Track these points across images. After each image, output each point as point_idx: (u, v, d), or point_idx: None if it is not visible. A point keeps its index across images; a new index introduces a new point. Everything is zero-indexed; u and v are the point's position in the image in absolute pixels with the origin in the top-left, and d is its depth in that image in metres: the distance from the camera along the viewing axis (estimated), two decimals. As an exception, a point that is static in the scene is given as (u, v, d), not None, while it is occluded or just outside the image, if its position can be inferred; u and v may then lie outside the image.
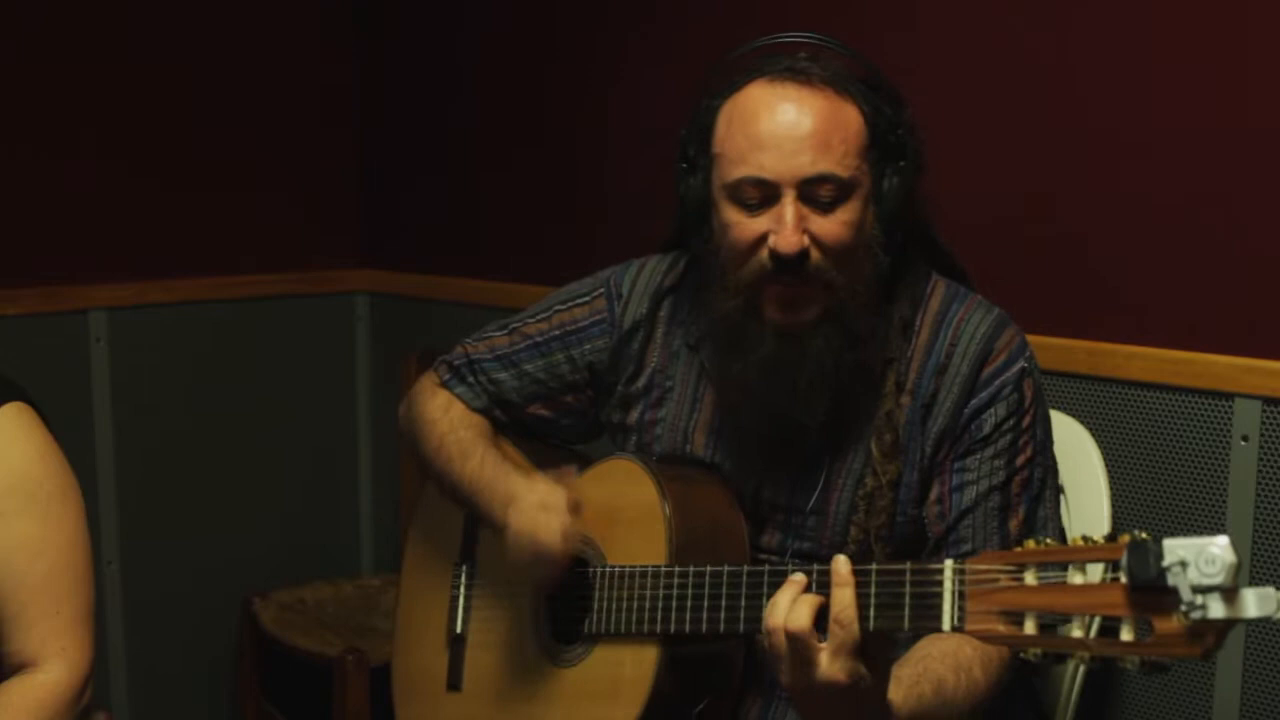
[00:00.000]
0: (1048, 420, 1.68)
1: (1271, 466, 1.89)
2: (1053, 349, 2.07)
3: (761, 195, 1.57)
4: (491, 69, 3.03)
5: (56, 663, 1.67)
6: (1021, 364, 1.63)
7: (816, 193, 1.56)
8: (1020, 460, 1.62)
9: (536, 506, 1.67)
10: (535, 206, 2.97)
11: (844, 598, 1.34)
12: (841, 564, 1.36)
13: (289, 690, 2.96)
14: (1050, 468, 1.67)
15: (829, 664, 1.34)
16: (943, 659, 1.52)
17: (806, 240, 1.55)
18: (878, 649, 1.37)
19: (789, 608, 1.36)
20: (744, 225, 1.59)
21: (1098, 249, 2.05)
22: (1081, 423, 1.99)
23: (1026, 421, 1.63)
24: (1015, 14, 2.11)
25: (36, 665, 1.67)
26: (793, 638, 1.35)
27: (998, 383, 1.62)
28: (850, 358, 1.59)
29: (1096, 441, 1.95)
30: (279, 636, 2.82)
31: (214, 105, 3.08)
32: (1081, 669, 1.86)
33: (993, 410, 1.62)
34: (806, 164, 1.55)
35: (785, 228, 1.55)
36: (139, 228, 2.98)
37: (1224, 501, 1.92)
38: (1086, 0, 2.03)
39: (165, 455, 3.05)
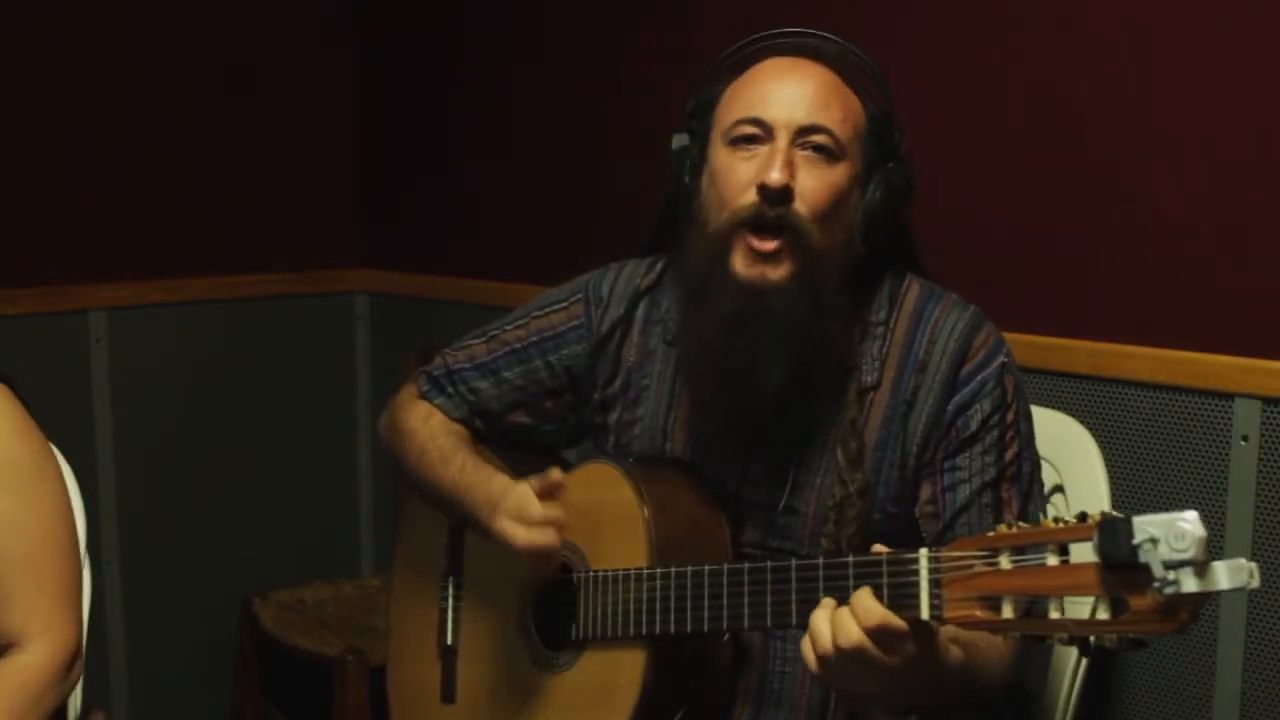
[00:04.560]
0: (1029, 417, 1.67)
1: (1271, 466, 1.89)
2: (1053, 349, 2.07)
3: (757, 134, 1.61)
4: (491, 69, 3.03)
5: (40, 641, 1.67)
6: (1001, 359, 1.63)
7: (810, 142, 1.60)
8: (1009, 455, 1.62)
9: (512, 516, 1.66)
10: (534, 206, 2.97)
11: (864, 599, 1.32)
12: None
13: (289, 690, 2.96)
14: (1035, 462, 1.67)
15: (891, 658, 1.31)
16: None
17: (793, 182, 1.58)
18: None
19: (831, 630, 1.33)
20: (734, 168, 1.62)
21: (1098, 249, 2.05)
22: (1081, 422, 1.99)
23: (1010, 416, 1.62)
24: (1019, 22, 2.11)
25: (20, 645, 1.67)
26: (846, 654, 1.32)
27: (979, 378, 1.62)
28: (817, 328, 1.59)
29: (1096, 441, 1.95)
30: (279, 636, 2.82)
31: (214, 105, 3.08)
32: (1081, 671, 1.86)
33: (978, 406, 1.61)
34: (803, 114, 1.60)
35: (775, 160, 1.58)
36: (139, 228, 2.98)
37: (1224, 502, 1.92)
38: (1085, 6, 2.03)
39: (165, 455, 3.05)
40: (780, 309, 1.58)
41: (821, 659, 1.34)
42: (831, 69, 1.65)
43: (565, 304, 1.84)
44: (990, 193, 2.16)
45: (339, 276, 3.33)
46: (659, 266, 1.81)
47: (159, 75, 2.99)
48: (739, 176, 1.61)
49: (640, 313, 1.80)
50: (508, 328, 1.87)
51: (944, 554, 1.27)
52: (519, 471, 1.82)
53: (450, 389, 1.89)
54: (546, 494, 1.65)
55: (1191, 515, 1.06)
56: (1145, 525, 1.08)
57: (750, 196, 1.59)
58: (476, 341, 1.89)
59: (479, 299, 3.02)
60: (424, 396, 1.91)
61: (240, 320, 3.15)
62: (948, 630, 1.43)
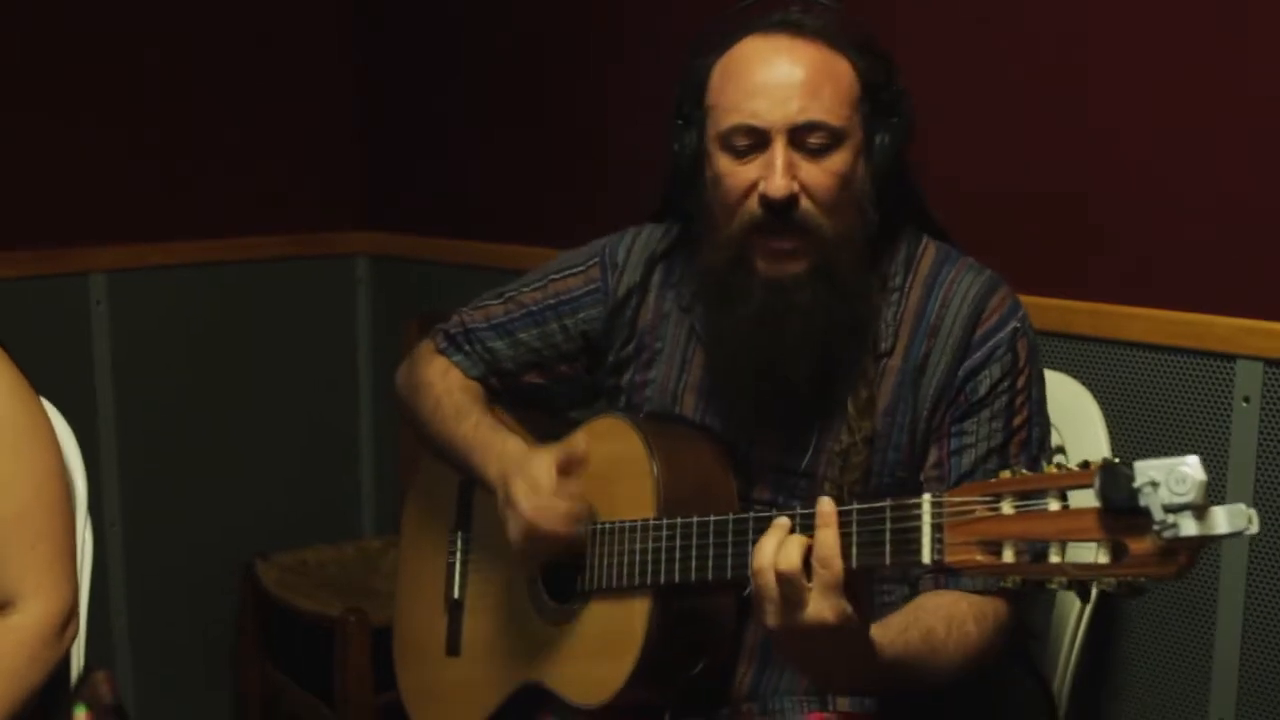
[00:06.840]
0: (1042, 381, 1.67)
1: (1273, 428, 1.89)
2: (1054, 309, 2.07)
3: (752, 142, 1.57)
4: (493, 32, 3.01)
5: (34, 601, 1.67)
6: (1014, 324, 1.63)
7: (806, 140, 1.56)
8: (1017, 421, 1.62)
9: (529, 490, 1.65)
10: (536, 169, 2.96)
11: (827, 538, 1.34)
12: (825, 504, 1.36)
13: (291, 651, 2.97)
14: (1045, 428, 1.67)
15: (816, 603, 1.34)
16: (935, 611, 1.53)
17: (796, 186, 1.55)
18: (861, 588, 1.37)
19: (776, 549, 1.36)
20: (735, 174, 1.59)
21: (1099, 209, 2.05)
22: (1083, 383, 1.99)
23: (1021, 382, 1.62)
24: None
25: (13, 604, 1.67)
26: (782, 578, 1.35)
27: (990, 343, 1.61)
28: (841, 313, 1.59)
29: (1098, 402, 1.95)
30: (281, 598, 2.83)
31: (214, 65, 3.06)
32: (1081, 630, 1.87)
33: (987, 371, 1.61)
34: (796, 110, 1.56)
35: (774, 172, 1.55)
36: (139, 190, 2.97)
37: (1225, 463, 1.92)
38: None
39: (166, 418, 3.06)
40: (803, 302, 1.58)
41: (758, 572, 1.37)
42: (816, 39, 1.60)
43: (582, 268, 1.84)
44: (990, 153, 2.15)
45: (339, 239, 3.32)
46: (674, 231, 1.80)
47: (158, 36, 2.97)
48: (740, 183, 1.58)
49: (656, 277, 1.79)
50: (525, 289, 1.87)
51: (947, 499, 1.29)
52: (533, 431, 1.82)
53: (467, 347, 1.89)
54: (565, 469, 1.65)
55: (1193, 460, 1.09)
56: (1146, 469, 1.11)
57: (754, 203, 1.57)
58: (494, 302, 1.89)
59: (480, 261, 3.02)
60: (441, 353, 1.92)
61: (241, 283, 3.14)
62: (907, 616, 1.48)
